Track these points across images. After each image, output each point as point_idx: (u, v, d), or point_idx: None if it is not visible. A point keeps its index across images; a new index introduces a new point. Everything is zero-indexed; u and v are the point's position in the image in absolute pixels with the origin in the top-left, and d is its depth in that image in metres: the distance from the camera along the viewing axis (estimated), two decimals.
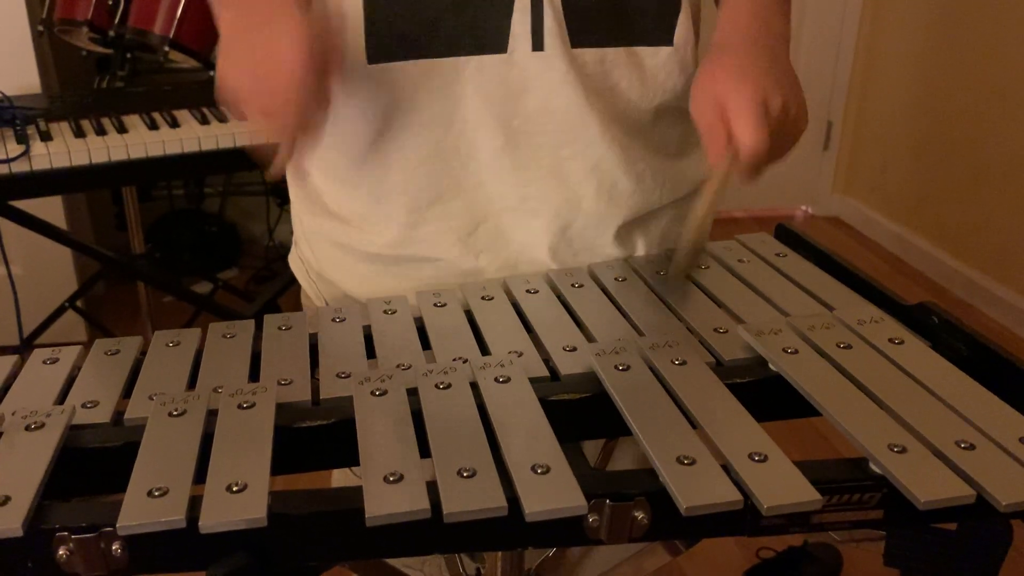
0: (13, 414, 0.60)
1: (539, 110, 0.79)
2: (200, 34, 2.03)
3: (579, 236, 0.84)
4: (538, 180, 0.81)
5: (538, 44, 0.77)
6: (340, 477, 1.00)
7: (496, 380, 0.63)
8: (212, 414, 0.60)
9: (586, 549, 1.04)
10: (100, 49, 2.10)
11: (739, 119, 0.70)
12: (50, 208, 2.20)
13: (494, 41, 0.77)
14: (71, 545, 0.51)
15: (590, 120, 0.80)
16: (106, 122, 1.71)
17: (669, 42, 0.82)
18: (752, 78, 0.71)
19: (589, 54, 0.79)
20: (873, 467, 0.56)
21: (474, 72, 0.77)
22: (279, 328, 0.74)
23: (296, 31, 0.67)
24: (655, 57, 0.82)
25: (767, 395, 0.66)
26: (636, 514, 0.54)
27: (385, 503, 0.50)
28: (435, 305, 0.78)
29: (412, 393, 0.62)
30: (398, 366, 0.68)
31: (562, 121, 0.80)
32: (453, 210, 0.82)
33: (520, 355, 0.69)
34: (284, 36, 0.67)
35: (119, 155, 1.63)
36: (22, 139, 1.60)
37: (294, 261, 0.95)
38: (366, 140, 0.81)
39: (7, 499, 0.52)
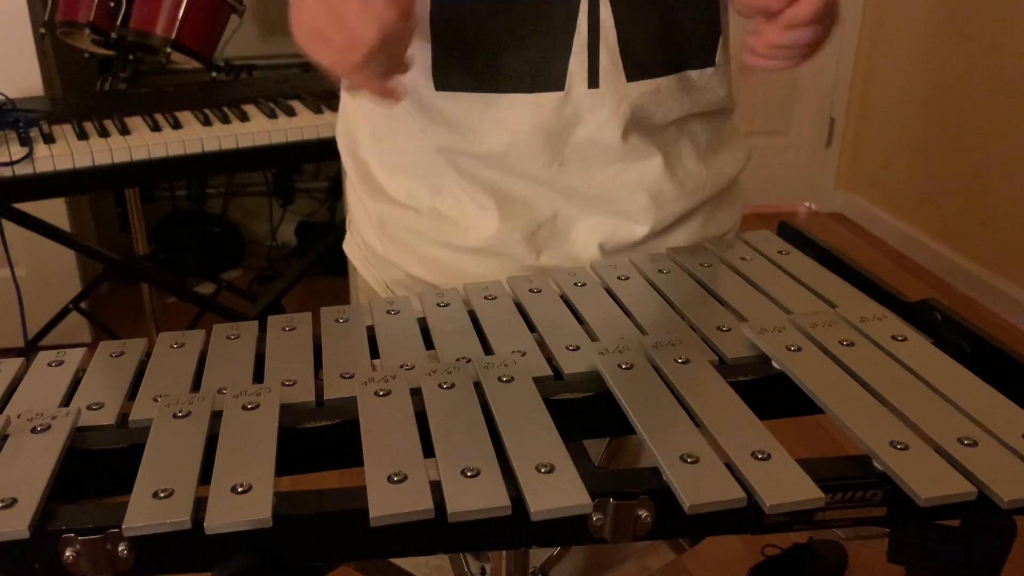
0: (19, 416, 0.60)
1: (587, 141, 0.82)
2: (202, 35, 2.03)
3: (628, 238, 0.88)
4: (589, 195, 0.86)
5: (594, 82, 0.80)
6: None
7: (500, 379, 0.63)
8: (216, 415, 0.60)
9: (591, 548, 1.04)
10: (102, 51, 2.10)
11: None
12: (53, 210, 2.20)
13: (553, 80, 0.80)
14: (77, 546, 0.51)
15: (636, 142, 0.84)
16: (109, 124, 1.72)
17: (712, 63, 0.85)
18: None
19: (644, 85, 0.82)
20: (875, 464, 0.56)
21: (532, 107, 0.80)
22: (283, 329, 0.75)
23: None
24: (701, 77, 0.85)
25: (770, 393, 0.66)
26: (640, 512, 0.54)
27: (389, 503, 0.51)
28: (438, 305, 0.78)
29: (416, 393, 0.62)
30: (401, 366, 0.68)
31: (608, 148, 0.83)
32: (513, 212, 0.85)
33: (523, 355, 0.69)
34: None
35: (122, 157, 1.64)
36: (25, 141, 1.60)
37: (350, 247, 0.98)
38: (428, 156, 0.85)
39: (14, 501, 0.52)
